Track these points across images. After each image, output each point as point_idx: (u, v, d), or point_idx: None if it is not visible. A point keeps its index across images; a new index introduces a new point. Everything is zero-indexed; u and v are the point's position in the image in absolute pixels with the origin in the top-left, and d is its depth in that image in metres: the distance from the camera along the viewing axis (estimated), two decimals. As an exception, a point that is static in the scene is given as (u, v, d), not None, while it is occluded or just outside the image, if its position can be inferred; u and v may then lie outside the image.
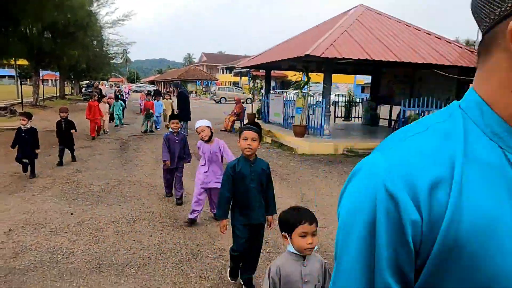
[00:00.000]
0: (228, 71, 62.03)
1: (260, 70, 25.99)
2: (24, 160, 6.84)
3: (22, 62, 26.96)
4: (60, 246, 4.11)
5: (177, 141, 5.66)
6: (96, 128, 11.92)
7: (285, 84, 48.04)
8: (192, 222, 4.83)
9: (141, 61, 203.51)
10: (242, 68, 18.58)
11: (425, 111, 11.76)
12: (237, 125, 15.18)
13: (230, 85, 49.75)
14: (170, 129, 5.71)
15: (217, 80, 56.64)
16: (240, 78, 52.59)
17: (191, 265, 3.79)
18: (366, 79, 47.72)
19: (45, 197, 5.79)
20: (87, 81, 33.50)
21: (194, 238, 4.44)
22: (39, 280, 3.42)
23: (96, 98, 12.37)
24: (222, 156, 4.75)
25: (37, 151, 7.00)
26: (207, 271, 3.69)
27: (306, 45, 11.39)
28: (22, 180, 6.66)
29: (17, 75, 35.83)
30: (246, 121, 15.57)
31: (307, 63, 13.58)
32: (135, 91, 47.45)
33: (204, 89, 52.46)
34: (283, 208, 5.48)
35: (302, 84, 11.22)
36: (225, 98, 38.34)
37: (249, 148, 3.11)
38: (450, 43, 12.60)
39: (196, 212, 4.81)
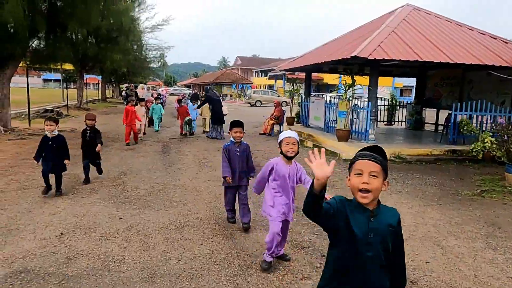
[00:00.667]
0: (262, 74, 62.06)
1: (296, 73, 25.74)
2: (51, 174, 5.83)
3: (67, 66, 28.05)
4: (111, 253, 4.02)
5: (238, 153, 4.75)
6: (132, 134, 11.17)
7: (321, 87, 47.40)
8: (269, 267, 3.75)
9: (177, 65, 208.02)
10: (283, 70, 18.32)
11: (477, 115, 11.05)
12: (276, 128, 14.95)
13: (265, 88, 49.67)
14: (232, 139, 4.79)
15: (252, 83, 56.75)
16: (275, 81, 52.41)
17: (246, 279, 3.57)
18: (405, 82, 46.24)
19: (94, 200, 5.79)
20: (127, 85, 34.39)
21: (246, 248, 4.23)
22: (92, 288, 3.32)
23: (133, 102, 12.08)
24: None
25: (67, 162, 5.98)
26: (264, 285, 3.46)
27: (351, 46, 11.00)
28: (71, 182, 6.73)
29: (63, 79, 37.42)
30: (285, 124, 15.32)
31: (350, 65, 13.15)
32: (172, 94, 48.42)
33: (239, 92, 52.67)
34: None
35: (347, 87, 10.82)
36: (260, 101, 38.26)
37: (365, 193, 1.81)
38: (506, 43, 11.78)
39: (275, 253, 3.82)
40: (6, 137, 11.43)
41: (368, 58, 9.46)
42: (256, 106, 37.13)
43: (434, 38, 11.13)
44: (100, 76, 35.55)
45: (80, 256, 3.92)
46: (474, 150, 9.56)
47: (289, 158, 3.65)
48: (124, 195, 6.11)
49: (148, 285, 3.40)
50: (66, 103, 21.94)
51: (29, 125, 14.11)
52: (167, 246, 4.25)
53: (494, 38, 11.90)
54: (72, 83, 45.45)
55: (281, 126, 15.03)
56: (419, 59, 9.80)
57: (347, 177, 1.92)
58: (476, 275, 3.79)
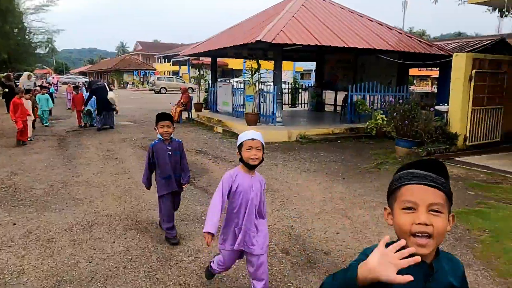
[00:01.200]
0: (165, 60, 59.97)
1: (201, 59, 25.37)
2: None
3: None
4: (6, 264, 3.53)
5: (170, 152, 3.93)
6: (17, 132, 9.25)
7: (226, 72, 47.53)
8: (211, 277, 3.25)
9: (69, 50, 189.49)
10: (187, 56, 17.87)
11: (370, 95, 12.15)
12: (185, 115, 14.63)
13: (170, 75, 48.15)
14: (159, 136, 3.89)
15: (155, 69, 54.58)
16: (180, 67, 51.09)
17: (166, 272, 3.43)
18: (305, 66, 48.78)
19: (-22, 206, 5.02)
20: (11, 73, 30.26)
21: (164, 241, 4.06)
22: (-15, 308, 2.88)
23: (22, 94, 9.80)
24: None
25: None
26: (186, 277, 3.37)
27: (255, 31, 11.14)
28: None
29: None
30: (193, 110, 15.06)
31: (255, 50, 13.36)
32: (65, 83, 44.13)
33: (142, 79, 50.22)
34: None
35: (253, 71, 10.98)
36: (166, 88, 37.00)
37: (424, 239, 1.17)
38: (390, 29, 13.06)
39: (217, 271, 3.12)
40: None
41: (272, 42, 9.69)
42: (161, 93, 35.81)
43: (330, 24, 11.83)
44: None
45: (-35, 273, 3.36)
46: (369, 127, 10.54)
47: (251, 168, 2.71)
48: (16, 198, 5.40)
49: (55, 294, 3.07)
50: None
51: None
52: (74, 248, 3.87)
53: (381, 25, 13.09)
54: None
55: (189, 113, 14.74)
56: (318, 43, 10.35)
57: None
58: (379, 239, 4.18)
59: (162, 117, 3.87)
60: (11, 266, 3.49)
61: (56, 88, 31.02)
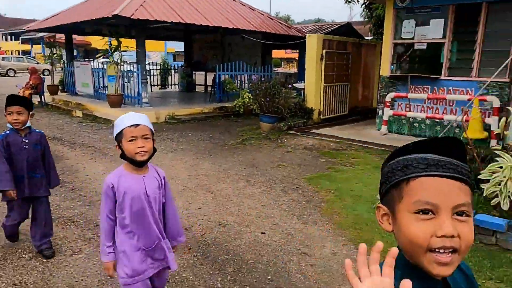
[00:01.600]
0: (13, 37, 51.80)
1: (58, 36, 22.56)
2: None
3: None
4: None
5: (26, 147, 3.12)
6: None
7: (89, 52, 43.41)
8: None
9: None
10: (33, 31, 15.65)
11: (237, 75, 12.47)
12: (36, 99, 12.87)
13: (19, 55, 41.80)
14: (9, 125, 3.07)
15: (-1, 48, 46.72)
16: (32, 46, 44.72)
17: (3, 269, 2.96)
18: (177, 47, 47.63)
19: None
20: None
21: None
22: None
23: None
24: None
25: None
26: (23, 275, 2.95)
27: (113, 5, 10.29)
28: None
29: None
30: (46, 93, 13.37)
31: (115, 27, 12.39)
32: None
33: (-18, 60, 42.45)
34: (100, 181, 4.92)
35: (113, 49, 10.18)
36: (14, 70, 31.99)
37: (448, 255, 0.80)
38: (253, 10, 13.51)
39: None
40: None
41: (132, 17, 9.09)
42: (8, 76, 30.89)
43: (195, 3, 11.63)
44: None
45: None
46: (237, 105, 10.83)
47: (140, 164, 2.01)
48: None
49: None
50: None
51: None
52: None
53: (244, 5, 13.44)
54: None
55: (42, 97, 13.03)
56: (182, 21, 10.11)
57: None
58: (239, 209, 4.34)
59: (11, 101, 3.00)
60: None
61: None
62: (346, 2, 13.20)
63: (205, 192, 4.89)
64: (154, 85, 17.12)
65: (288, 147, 7.40)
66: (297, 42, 12.85)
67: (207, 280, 2.95)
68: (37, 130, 3.27)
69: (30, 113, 3.10)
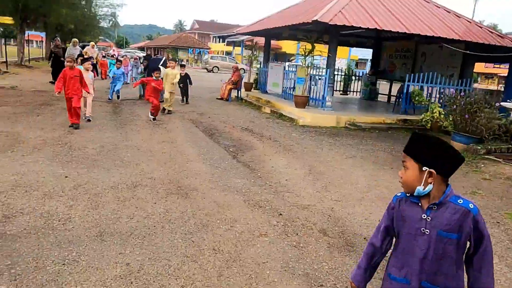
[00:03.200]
0: (220, 40, 60.51)
1: (255, 40, 25.27)
2: None
3: (5, 20, 25.53)
4: (55, 211, 3.73)
5: None
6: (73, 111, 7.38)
7: (278, 55, 47.10)
8: None
9: (130, 26, 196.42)
10: (241, 34, 17.84)
11: (429, 87, 11.46)
12: (234, 94, 14.68)
13: (223, 55, 48.57)
14: None
15: (209, 48, 55.25)
16: (233, 48, 51.35)
17: (202, 237, 3.46)
18: (360, 54, 47.15)
19: (36, 158, 5.35)
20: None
21: (202, 208, 4.10)
22: (33, 247, 3.05)
23: (73, 63, 7.43)
24: None
25: None
26: (220, 243, 3.37)
27: (312, 11, 10.82)
28: (10, 140, 6.17)
29: (1, 34, 34.16)
30: (243, 90, 15.07)
31: (309, 32, 13.03)
32: (124, 56, 45.91)
33: (196, 57, 51.11)
34: (292, 179, 5.16)
35: (307, 52, 10.71)
36: (218, 68, 37.40)
37: None
38: (459, 17, 12.14)
39: None
40: None
41: (329, 23, 9.37)
42: (213, 72, 36.29)
43: (392, 7, 11.20)
44: (44, 33, 32.77)
45: (20, 215, 3.60)
46: (424, 120, 9.96)
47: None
48: (70, 154, 5.70)
49: (96, 243, 3.19)
50: (5, 60, 20.07)
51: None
52: (117, 205, 4.01)
53: (448, 12, 12.21)
54: (12, 39, 41.64)
55: (239, 92, 14.78)
56: (378, 27, 9.85)
57: None
58: (425, 231, 3.94)
59: None
60: (60, 214, 3.69)
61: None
62: None
63: (385, 205, 4.62)
64: (335, 90, 17.32)
65: (486, 174, 6.38)
66: (508, 55, 10.96)
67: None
68: None
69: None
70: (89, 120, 8.21)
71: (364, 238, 3.70)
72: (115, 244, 3.21)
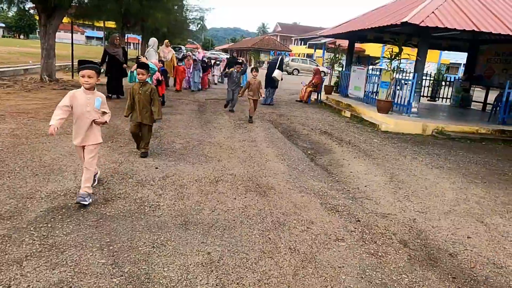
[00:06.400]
0: (302, 42, 60.53)
1: (337, 44, 24.81)
2: None
3: (110, 24, 28.39)
4: (147, 198, 4.09)
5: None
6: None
7: (361, 58, 45.66)
8: None
9: (216, 29, 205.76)
10: (324, 36, 17.68)
11: (534, 95, 10.26)
12: (314, 96, 14.61)
13: (304, 57, 48.50)
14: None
15: (290, 51, 55.57)
16: (315, 51, 51.00)
17: (279, 235, 3.54)
18: (452, 59, 43.69)
19: (131, 149, 5.89)
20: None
21: (280, 207, 4.18)
22: (128, 229, 3.39)
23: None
24: None
25: None
26: (296, 243, 3.41)
27: (401, 13, 10.34)
28: (110, 131, 6.87)
29: (105, 36, 38.05)
30: (323, 92, 14.92)
31: (397, 35, 12.44)
32: (209, 57, 48.17)
33: (276, 60, 51.70)
34: (371, 186, 5.02)
35: (393, 56, 10.26)
36: (298, 70, 37.51)
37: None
38: None
39: None
40: (50, 86, 11.82)
41: (420, 25, 8.87)
42: (293, 74, 36.45)
43: (493, 6, 10.23)
44: (141, 36, 35.76)
45: (117, 199, 4.01)
46: (526, 131, 8.95)
47: None
48: (160, 148, 6.18)
49: (181, 231, 3.44)
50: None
51: (72, 77, 14.49)
52: (201, 197, 4.27)
53: None
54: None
55: (319, 95, 14.67)
56: (476, 29, 9.07)
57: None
58: (523, 254, 3.58)
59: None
60: (150, 201, 4.03)
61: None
62: None
63: (475, 222, 4.29)
64: (422, 96, 16.31)
65: None
66: None
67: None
68: None
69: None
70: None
71: (450, 254, 3.47)
72: (197, 233, 3.43)
